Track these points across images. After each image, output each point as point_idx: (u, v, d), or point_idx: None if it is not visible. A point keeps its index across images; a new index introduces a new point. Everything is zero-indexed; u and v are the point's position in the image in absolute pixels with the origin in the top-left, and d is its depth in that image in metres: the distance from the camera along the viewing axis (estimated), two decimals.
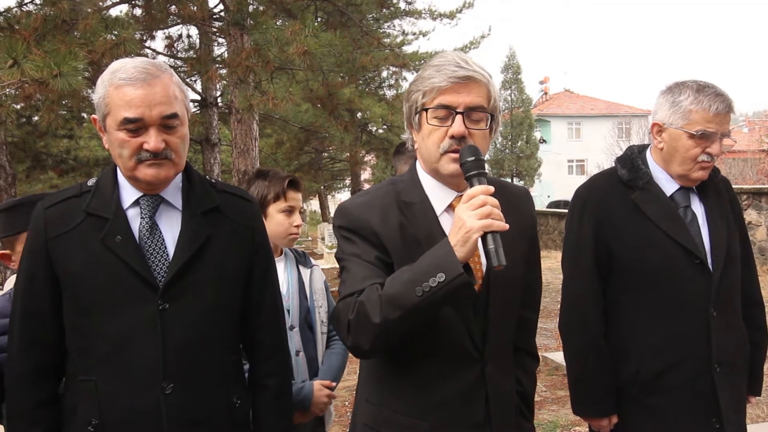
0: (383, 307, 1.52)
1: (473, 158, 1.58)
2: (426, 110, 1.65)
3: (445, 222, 1.70)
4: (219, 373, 1.81)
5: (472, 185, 1.56)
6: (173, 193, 1.82)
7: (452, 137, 1.62)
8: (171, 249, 1.76)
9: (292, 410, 2.05)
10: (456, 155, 1.62)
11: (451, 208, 1.72)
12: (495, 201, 1.50)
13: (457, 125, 1.61)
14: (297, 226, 2.60)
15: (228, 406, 1.83)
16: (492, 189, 1.52)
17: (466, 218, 1.49)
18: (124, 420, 1.70)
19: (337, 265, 2.79)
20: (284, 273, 2.62)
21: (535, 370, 1.97)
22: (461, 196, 1.70)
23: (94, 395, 1.70)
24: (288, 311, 2.54)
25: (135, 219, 1.77)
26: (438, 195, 1.72)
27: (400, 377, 1.72)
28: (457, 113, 1.62)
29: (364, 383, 1.87)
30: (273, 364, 1.95)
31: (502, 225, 1.49)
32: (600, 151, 32.60)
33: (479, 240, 1.50)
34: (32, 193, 2.76)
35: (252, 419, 1.93)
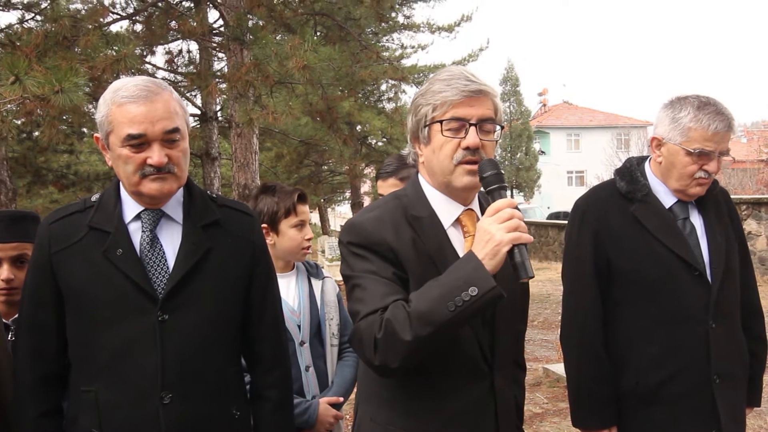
0: (413, 324, 1.48)
1: (494, 172, 1.61)
2: (440, 122, 1.66)
3: (453, 236, 1.72)
4: (218, 384, 1.83)
5: (494, 199, 1.59)
6: (174, 207, 1.85)
7: (467, 148, 1.65)
8: (171, 262, 1.79)
9: (293, 422, 2.06)
10: (471, 167, 1.65)
11: (458, 222, 1.74)
12: (520, 214, 1.54)
13: (472, 136, 1.64)
14: (308, 240, 2.60)
15: (227, 417, 1.84)
16: (516, 202, 1.56)
17: (494, 231, 1.50)
18: (123, 430, 1.72)
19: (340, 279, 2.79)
20: (296, 288, 2.60)
21: (523, 379, 1.99)
22: (469, 209, 1.74)
23: (94, 405, 1.73)
24: (299, 327, 2.53)
25: (136, 233, 1.80)
26: (445, 209, 1.73)
27: (410, 394, 1.69)
28: (471, 125, 1.65)
29: (366, 402, 1.83)
30: (273, 376, 1.96)
31: (529, 237, 1.52)
32: (599, 163, 32.65)
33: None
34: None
35: (253, 431, 1.94)
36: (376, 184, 2.91)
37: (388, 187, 2.71)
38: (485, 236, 1.52)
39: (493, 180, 1.61)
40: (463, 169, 1.66)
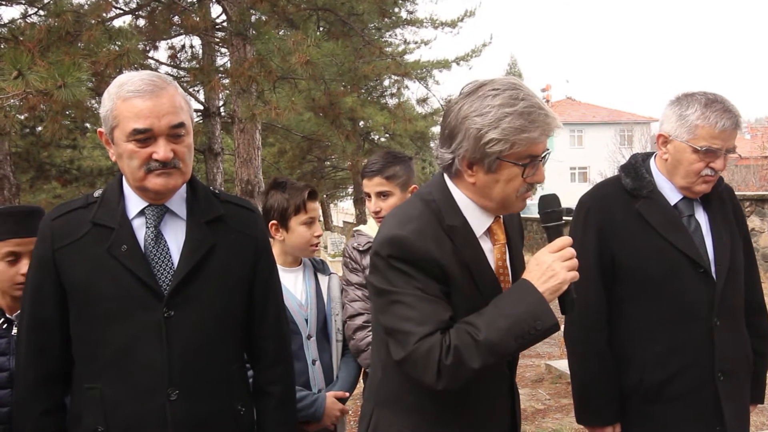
0: (482, 353, 1.52)
1: (557, 209, 1.67)
2: (524, 164, 1.60)
3: (483, 244, 1.71)
4: (223, 380, 1.83)
5: (553, 236, 1.64)
6: (178, 203, 1.84)
7: (532, 184, 1.65)
8: (175, 258, 1.78)
9: (296, 417, 2.06)
10: (528, 194, 1.67)
11: (489, 231, 1.73)
12: (575, 252, 1.60)
13: (542, 173, 1.65)
14: (317, 236, 2.60)
15: (232, 412, 1.85)
16: (571, 240, 1.61)
17: (558, 269, 1.56)
18: (129, 426, 1.72)
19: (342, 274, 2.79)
20: (302, 283, 2.61)
21: None
22: (498, 218, 1.75)
23: (99, 402, 1.73)
24: (306, 321, 2.54)
25: (140, 229, 1.79)
26: (477, 218, 1.70)
27: (439, 400, 1.68)
28: (539, 161, 1.63)
29: (388, 406, 1.76)
30: (276, 372, 1.97)
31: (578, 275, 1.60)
32: (602, 159, 32.57)
33: None
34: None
35: (256, 426, 1.95)
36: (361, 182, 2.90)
37: (374, 186, 2.71)
38: (548, 271, 1.57)
39: (555, 217, 1.67)
40: (522, 197, 1.68)
